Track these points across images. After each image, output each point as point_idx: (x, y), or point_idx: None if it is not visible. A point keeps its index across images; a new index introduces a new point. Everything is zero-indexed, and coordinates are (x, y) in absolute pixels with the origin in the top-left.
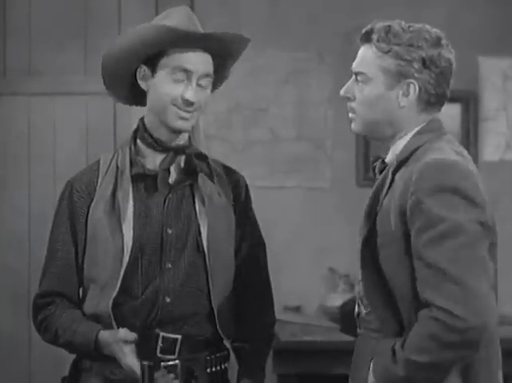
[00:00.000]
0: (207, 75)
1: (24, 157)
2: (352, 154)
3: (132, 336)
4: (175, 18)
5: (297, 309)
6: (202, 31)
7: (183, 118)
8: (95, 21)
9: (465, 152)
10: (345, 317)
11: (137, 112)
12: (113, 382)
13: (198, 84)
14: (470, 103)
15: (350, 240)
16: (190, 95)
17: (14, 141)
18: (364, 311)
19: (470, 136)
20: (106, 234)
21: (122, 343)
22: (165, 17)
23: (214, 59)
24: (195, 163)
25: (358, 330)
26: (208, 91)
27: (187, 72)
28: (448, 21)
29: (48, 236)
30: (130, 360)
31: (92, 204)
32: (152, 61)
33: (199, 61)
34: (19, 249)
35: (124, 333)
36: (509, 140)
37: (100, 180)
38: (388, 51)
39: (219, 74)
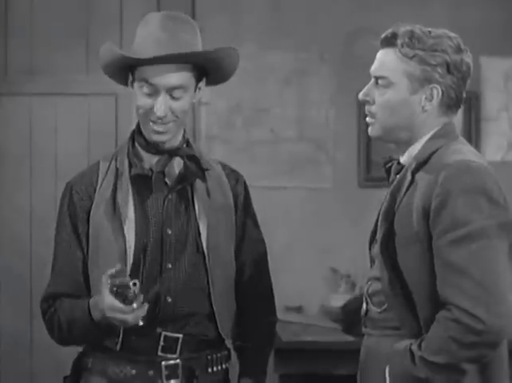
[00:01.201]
0: (177, 87)
1: (25, 157)
2: (353, 154)
3: (112, 272)
4: (148, 30)
5: (298, 310)
6: (184, 37)
7: (157, 132)
8: (97, 21)
9: (479, 154)
10: (347, 317)
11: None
12: (114, 381)
13: (171, 96)
14: (472, 103)
15: (352, 240)
16: (157, 109)
17: (16, 141)
18: (376, 310)
19: (472, 137)
20: (108, 236)
21: (103, 287)
22: (143, 26)
23: (197, 66)
24: (189, 166)
25: (364, 329)
26: (184, 101)
27: (152, 86)
28: (450, 21)
29: (49, 236)
30: (108, 299)
31: (93, 206)
32: (132, 70)
33: (165, 75)
34: (20, 250)
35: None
36: (511, 141)
37: (100, 182)
38: (413, 56)
39: (217, 75)
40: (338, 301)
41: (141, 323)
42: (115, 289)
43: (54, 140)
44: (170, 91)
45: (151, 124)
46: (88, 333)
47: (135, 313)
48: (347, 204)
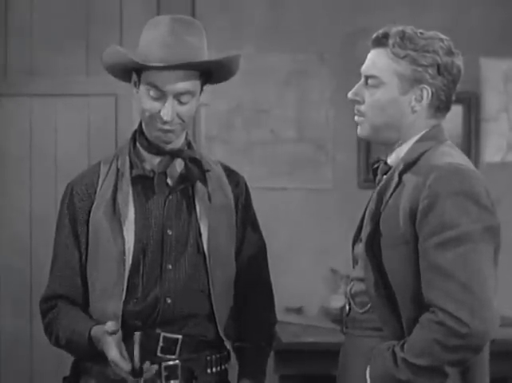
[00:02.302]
0: (185, 93)
1: (25, 158)
2: (353, 155)
3: (111, 326)
4: (157, 33)
5: (298, 311)
6: (191, 42)
7: (164, 131)
8: (97, 22)
9: (466, 157)
10: None
11: (138, 112)
12: (113, 382)
13: (178, 101)
14: (471, 104)
15: (351, 241)
16: (164, 113)
17: (16, 142)
18: (358, 310)
19: (471, 138)
20: (107, 237)
21: (107, 335)
22: (150, 29)
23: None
24: (190, 168)
25: (345, 329)
26: (190, 106)
27: (161, 91)
28: (449, 22)
29: (49, 236)
30: (113, 353)
31: (93, 207)
32: (138, 71)
33: (173, 80)
34: (21, 249)
35: (107, 325)
36: (510, 142)
37: (100, 182)
38: (404, 56)
39: (220, 77)
40: (338, 302)
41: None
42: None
43: (54, 141)
44: (177, 96)
45: (157, 124)
46: (86, 354)
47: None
48: (347, 205)
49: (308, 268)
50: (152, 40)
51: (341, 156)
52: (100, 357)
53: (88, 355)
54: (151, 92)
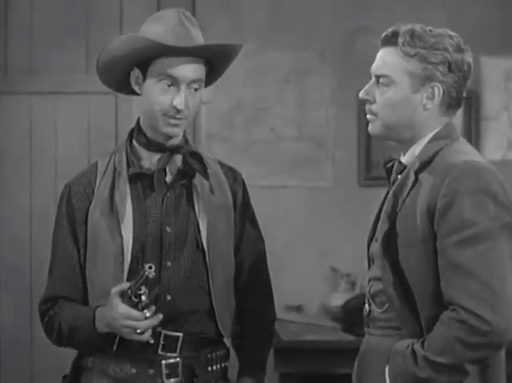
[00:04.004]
0: (197, 80)
1: (25, 156)
2: (353, 153)
3: (122, 286)
4: (165, 24)
5: (298, 309)
6: (196, 34)
7: (172, 125)
8: (97, 21)
9: (479, 154)
10: (347, 317)
11: (138, 111)
12: (114, 380)
13: (190, 90)
14: (472, 102)
15: (352, 239)
16: (178, 102)
17: (16, 140)
18: (377, 310)
19: (472, 136)
20: (106, 236)
21: (113, 298)
22: (156, 21)
23: (207, 62)
24: (191, 163)
25: (366, 329)
26: (199, 93)
27: (174, 79)
28: (450, 20)
29: (49, 235)
30: (122, 307)
31: (91, 206)
32: (144, 65)
33: (187, 68)
34: (21, 248)
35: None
36: (511, 140)
37: (98, 182)
38: (415, 54)
39: (214, 75)
40: (338, 300)
41: (151, 341)
42: (127, 295)
43: (54, 139)
44: (190, 84)
45: (166, 118)
46: (89, 341)
47: (147, 321)
48: (347, 203)
49: (308, 266)
50: (163, 31)
51: (341, 154)
52: (101, 353)
53: (92, 341)
54: (164, 82)
